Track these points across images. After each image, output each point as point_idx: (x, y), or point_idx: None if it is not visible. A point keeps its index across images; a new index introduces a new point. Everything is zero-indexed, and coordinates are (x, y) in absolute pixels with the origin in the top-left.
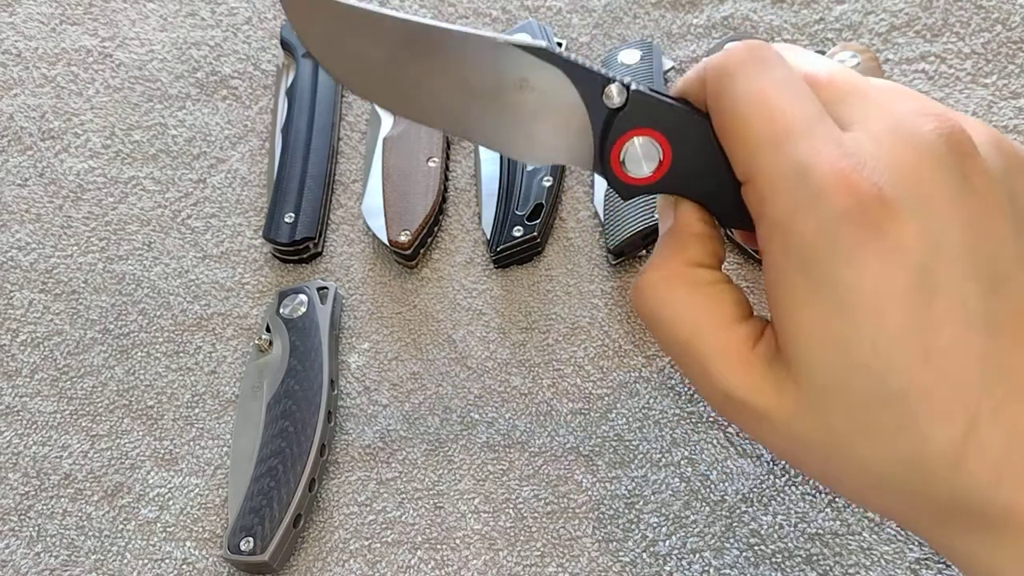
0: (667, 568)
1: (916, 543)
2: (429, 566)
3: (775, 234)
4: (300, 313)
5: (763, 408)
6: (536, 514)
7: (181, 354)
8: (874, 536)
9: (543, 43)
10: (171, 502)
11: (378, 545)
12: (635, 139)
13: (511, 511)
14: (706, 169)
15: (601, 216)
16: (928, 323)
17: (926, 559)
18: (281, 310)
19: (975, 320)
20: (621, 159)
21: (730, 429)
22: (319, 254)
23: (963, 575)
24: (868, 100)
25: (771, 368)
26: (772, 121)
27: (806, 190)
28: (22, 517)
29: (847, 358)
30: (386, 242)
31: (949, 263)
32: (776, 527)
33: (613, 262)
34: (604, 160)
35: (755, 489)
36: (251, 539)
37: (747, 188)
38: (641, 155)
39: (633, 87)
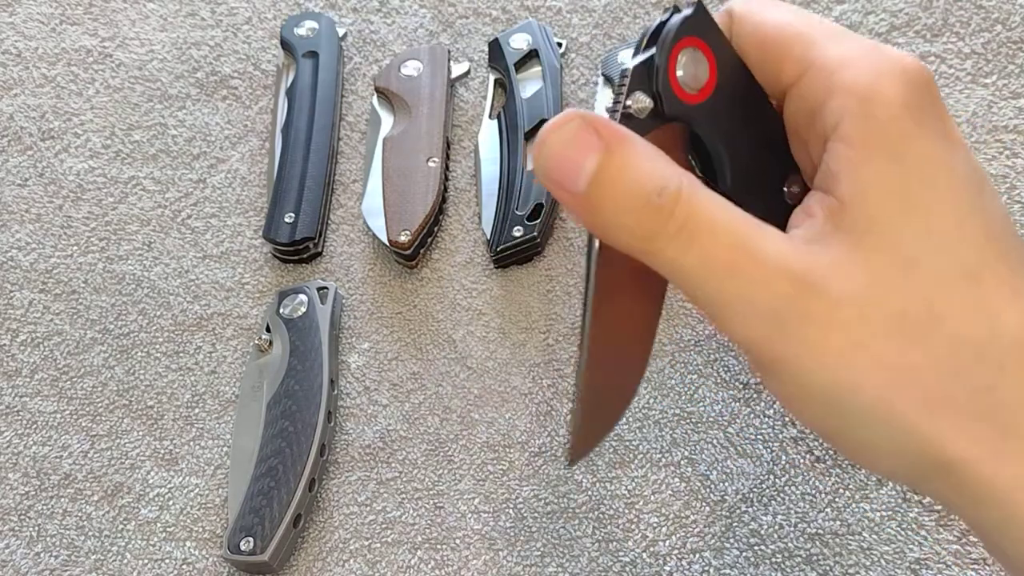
0: (667, 568)
1: (915, 543)
2: (429, 566)
3: (851, 103)
4: (300, 313)
5: (831, 284)
6: (536, 514)
7: (181, 354)
8: (874, 536)
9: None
10: (171, 502)
11: (378, 545)
12: (691, 49)
13: (511, 511)
14: (741, 93)
15: None
16: (983, 207)
17: (926, 559)
18: (281, 310)
19: (1007, 219)
20: (679, 70)
21: (730, 429)
22: (319, 254)
23: (990, 517)
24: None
25: (829, 246)
26: (821, 23)
27: (886, 60)
28: (22, 517)
29: (930, 229)
30: (386, 242)
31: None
32: (776, 527)
33: None
34: (663, 67)
35: (755, 489)
36: (251, 539)
37: (806, 79)
38: (695, 67)
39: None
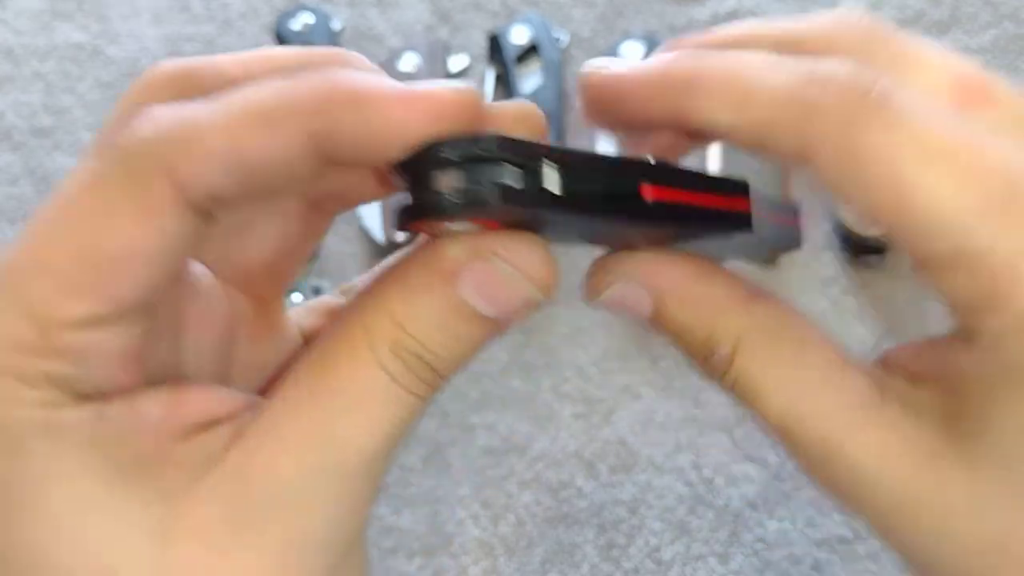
0: (671, 575)
1: None
2: (426, 573)
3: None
4: None
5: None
6: (536, 520)
7: None
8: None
9: None
10: None
11: (375, 552)
12: None
13: (511, 517)
14: None
15: None
16: None
17: None
18: None
19: None
20: None
21: (736, 432)
22: (315, 254)
23: None
24: None
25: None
26: (989, 175)
27: None
28: None
29: None
30: (382, 242)
31: None
32: (782, 533)
33: None
34: None
35: (761, 494)
36: None
37: (959, 273)
38: None
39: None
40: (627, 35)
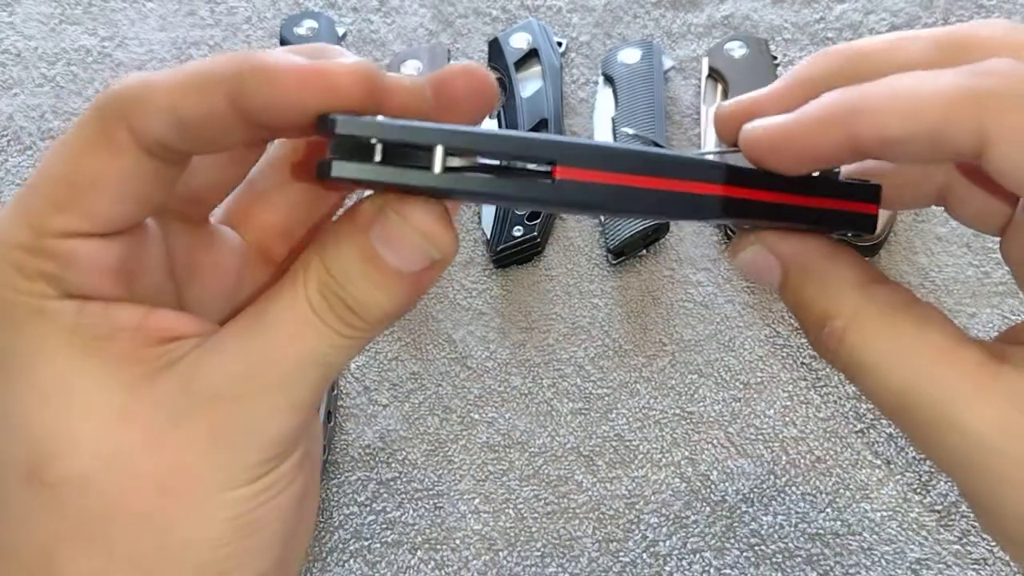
0: (667, 568)
1: (916, 543)
2: (429, 567)
3: None
4: None
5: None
6: (536, 514)
7: None
8: (874, 536)
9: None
10: None
11: (378, 545)
12: None
13: (511, 511)
14: None
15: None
16: None
17: (926, 559)
18: None
19: None
20: None
21: (731, 428)
22: None
23: None
24: None
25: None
26: None
27: None
28: None
29: None
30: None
31: None
32: (777, 527)
33: (613, 262)
34: None
35: (755, 489)
36: None
37: None
38: None
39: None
40: (624, 41)
